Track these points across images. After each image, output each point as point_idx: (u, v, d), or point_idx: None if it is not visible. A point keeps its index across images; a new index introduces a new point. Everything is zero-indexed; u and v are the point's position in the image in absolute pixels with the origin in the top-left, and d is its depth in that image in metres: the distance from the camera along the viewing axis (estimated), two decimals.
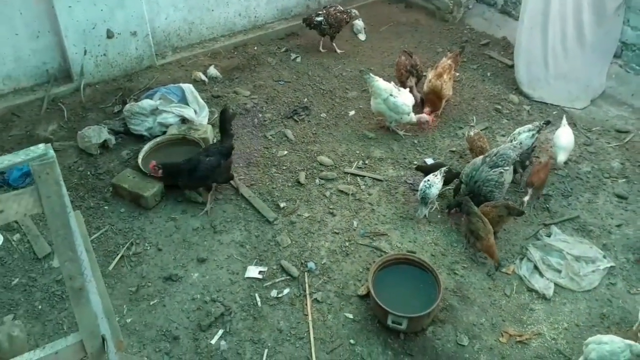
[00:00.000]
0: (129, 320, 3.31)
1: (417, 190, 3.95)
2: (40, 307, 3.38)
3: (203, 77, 5.54)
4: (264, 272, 3.61)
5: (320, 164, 4.49)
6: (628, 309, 3.28)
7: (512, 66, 5.52)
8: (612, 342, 2.77)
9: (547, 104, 5.09)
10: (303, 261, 3.68)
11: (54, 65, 5.30)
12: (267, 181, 4.34)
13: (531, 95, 5.18)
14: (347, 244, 3.81)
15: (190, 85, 5.04)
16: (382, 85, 4.66)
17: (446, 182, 4.03)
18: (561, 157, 4.16)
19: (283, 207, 4.09)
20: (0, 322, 3.09)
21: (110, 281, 3.51)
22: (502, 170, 3.84)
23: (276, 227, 3.94)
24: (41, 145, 1.75)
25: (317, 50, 6.00)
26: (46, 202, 1.78)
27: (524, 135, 4.19)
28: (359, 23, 6.26)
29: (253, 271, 3.62)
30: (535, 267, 3.54)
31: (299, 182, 4.31)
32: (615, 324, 3.21)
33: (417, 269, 3.45)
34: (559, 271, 3.50)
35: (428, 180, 3.88)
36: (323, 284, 3.54)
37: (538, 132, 4.21)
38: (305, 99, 5.25)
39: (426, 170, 4.11)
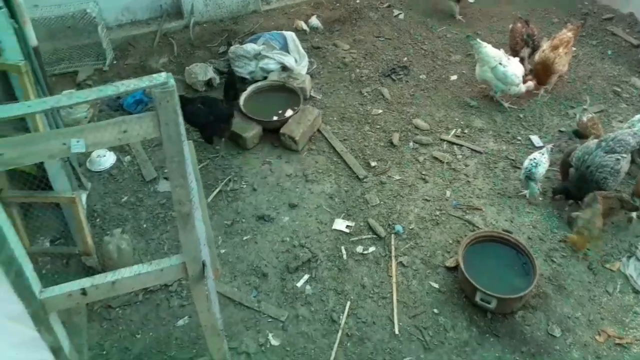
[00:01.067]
0: (222, 251, 3.32)
1: (520, 168, 3.56)
2: (145, 226, 3.47)
3: (305, 27, 5.29)
4: (351, 226, 3.46)
5: (416, 127, 4.17)
6: None
7: (637, 46, 4.77)
8: None
9: None
10: (390, 223, 3.48)
11: (167, 1, 5.26)
12: (359, 138, 4.11)
13: None
14: (437, 212, 3.54)
15: (293, 34, 4.82)
16: (491, 52, 4.17)
17: None
18: None
19: (374, 166, 3.87)
20: (111, 234, 3.20)
21: (208, 212, 3.50)
22: (620, 157, 3.34)
23: (365, 185, 3.74)
24: (163, 74, 1.72)
25: (422, 9, 5.50)
26: (164, 128, 1.76)
27: None
28: None
29: (340, 224, 3.48)
30: None
31: (391, 143, 4.04)
32: None
33: (512, 250, 3.14)
34: None
35: (534, 158, 3.47)
36: (409, 249, 3.33)
37: None
38: (405, 58, 4.86)
39: (582, 136, 3.67)
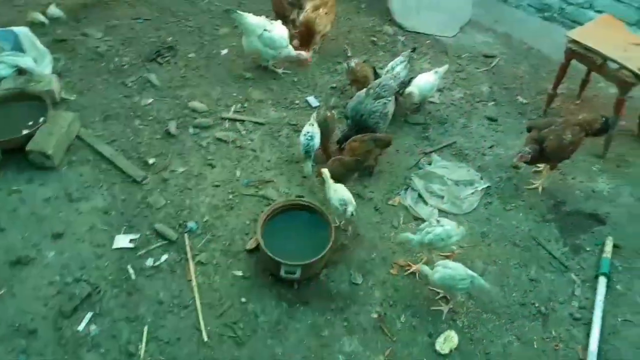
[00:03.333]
0: None
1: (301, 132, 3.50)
2: None
3: (42, 18, 4.38)
4: (136, 239, 2.99)
5: (193, 111, 3.81)
6: (504, 225, 3.27)
7: None
8: (457, 269, 2.70)
9: (419, 33, 4.85)
10: (181, 222, 3.11)
11: None
12: (130, 135, 3.58)
13: (404, 25, 4.90)
14: (230, 196, 3.29)
15: (26, 29, 3.95)
16: (254, 20, 4.00)
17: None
18: (412, 97, 3.83)
19: (153, 164, 3.40)
20: None
21: None
22: (386, 101, 3.55)
23: (146, 187, 3.27)
24: None
25: None
26: None
27: (398, 67, 3.92)
28: None
29: (122, 240, 2.97)
30: (420, 196, 3.38)
31: (169, 133, 3.61)
32: (495, 241, 3.19)
33: (308, 213, 3.09)
34: (442, 197, 3.38)
35: (308, 132, 3.38)
36: (206, 244, 3.03)
37: (409, 61, 3.96)
38: (170, 38, 4.40)
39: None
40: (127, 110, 3.74)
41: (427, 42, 4.76)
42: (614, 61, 3.48)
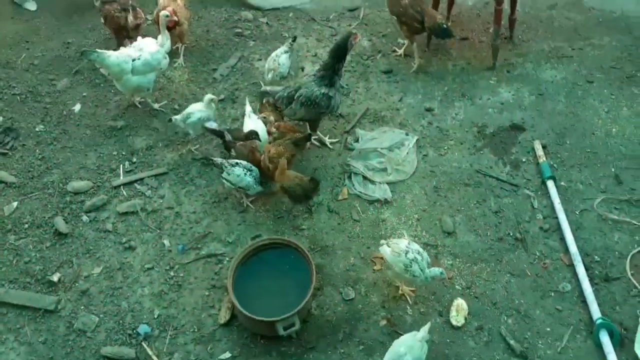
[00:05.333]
0: None
1: (214, 163, 2.88)
2: None
3: None
4: None
5: (76, 194, 2.97)
6: (448, 171, 3.12)
7: None
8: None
9: (279, 8, 4.32)
10: (130, 331, 2.43)
11: None
12: (11, 258, 2.68)
13: (261, 5, 4.34)
14: (171, 273, 2.65)
15: None
16: (121, 55, 3.15)
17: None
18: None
19: (59, 280, 2.59)
20: None
21: None
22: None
23: (65, 312, 2.49)
24: None
25: None
26: None
27: (282, 58, 3.40)
28: None
29: None
30: (364, 177, 3.06)
31: (60, 234, 2.77)
32: (449, 190, 3.02)
33: (273, 251, 2.60)
34: (385, 169, 3.09)
35: (238, 172, 2.78)
36: (173, 341, 2.41)
37: (291, 50, 3.46)
38: (0, 118, 3.35)
39: None
40: None
41: (291, 15, 4.28)
42: None
